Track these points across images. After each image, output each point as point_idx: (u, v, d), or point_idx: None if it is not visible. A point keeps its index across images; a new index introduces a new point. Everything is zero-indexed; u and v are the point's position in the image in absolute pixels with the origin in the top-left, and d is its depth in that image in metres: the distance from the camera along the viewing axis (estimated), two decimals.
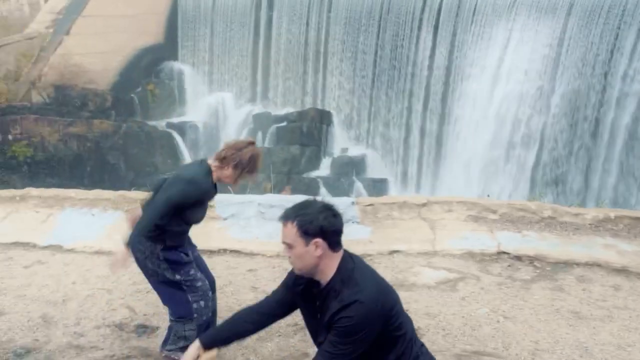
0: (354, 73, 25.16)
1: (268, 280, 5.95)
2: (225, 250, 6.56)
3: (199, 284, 4.44)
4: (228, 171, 4.31)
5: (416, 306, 5.38)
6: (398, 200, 7.54)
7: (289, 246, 3.08)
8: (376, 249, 6.58)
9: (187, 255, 4.46)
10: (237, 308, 5.34)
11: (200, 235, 6.75)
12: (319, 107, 25.71)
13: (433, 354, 4.56)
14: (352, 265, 3.10)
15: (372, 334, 3.00)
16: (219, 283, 5.83)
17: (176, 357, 4.41)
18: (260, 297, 5.52)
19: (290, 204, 7.09)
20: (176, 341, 4.43)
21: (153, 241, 4.27)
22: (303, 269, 3.13)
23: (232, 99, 27.45)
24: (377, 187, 22.86)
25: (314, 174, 24.23)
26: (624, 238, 6.82)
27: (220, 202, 7.25)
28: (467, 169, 21.89)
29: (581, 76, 19.48)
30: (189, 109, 27.77)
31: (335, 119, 25.45)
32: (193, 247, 4.72)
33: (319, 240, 3.01)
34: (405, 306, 5.32)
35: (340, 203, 7.29)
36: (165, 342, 4.52)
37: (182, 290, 4.37)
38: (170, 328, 4.48)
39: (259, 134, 25.42)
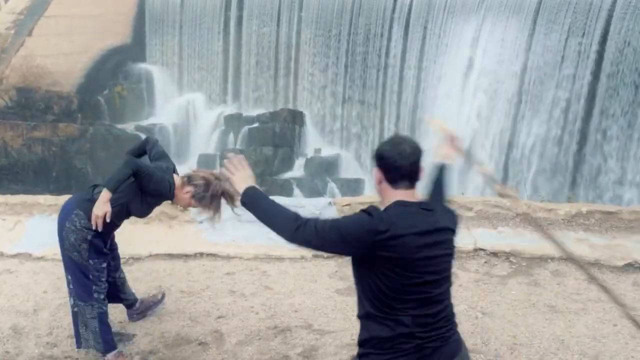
0: (327, 73, 25.22)
1: (246, 283, 6.00)
2: (201, 254, 6.59)
3: (103, 286, 4.57)
4: (187, 197, 4.45)
5: None
6: (375, 200, 7.62)
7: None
8: None
9: (107, 248, 4.62)
10: (215, 313, 5.41)
11: (176, 239, 6.83)
12: (292, 107, 25.74)
13: None
14: (404, 208, 2.98)
15: (357, 244, 2.90)
16: (196, 287, 5.90)
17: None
18: (239, 300, 5.62)
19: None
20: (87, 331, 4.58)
21: (89, 220, 4.34)
22: (379, 197, 3.15)
23: (202, 100, 27.31)
24: (352, 187, 22.95)
25: (287, 175, 24.24)
26: (595, 232, 7.01)
27: None
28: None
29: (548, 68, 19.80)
30: (158, 111, 27.57)
31: (308, 120, 25.48)
32: (115, 244, 4.89)
33: (376, 169, 3.06)
34: None
35: (317, 204, 7.38)
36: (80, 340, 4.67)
37: (88, 278, 4.48)
38: (76, 320, 4.62)
39: (231, 136, 25.38)
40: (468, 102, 21.60)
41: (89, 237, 4.40)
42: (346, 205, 7.55)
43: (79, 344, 4.71)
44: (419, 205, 3.02)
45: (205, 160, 24.33)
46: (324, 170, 23.81)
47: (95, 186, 4.53)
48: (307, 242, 3.00)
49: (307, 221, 2.99)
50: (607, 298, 5.21)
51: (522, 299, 5.65)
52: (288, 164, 24.64)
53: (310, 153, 24.81)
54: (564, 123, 19.43)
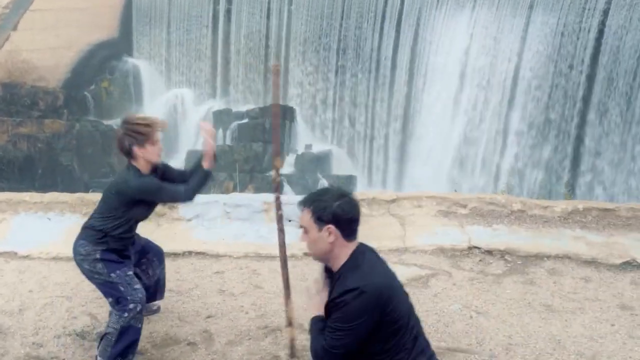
0: (317, 68, 25.13)
1: (236, 282, 5.96)
2: (190, 253, 6.56)
3: (138, 294, 4.53)
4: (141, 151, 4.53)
5: None
6: (367, 197, 7.60)
7: (305, 230, 3.29)
8: None
9: (128, 252, 4.67)
10: (204, 312, 5.37)
11: (164, 237, 6.76)
12: (282, 102, 25.66)
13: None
14: (363, 256, 3.27)
15: (370, 323, 3.11)
16: (184, 286, 5.85)
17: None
18: (228, 300, 5.57)
19: (255, 202, 7.13)
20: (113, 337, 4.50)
21: (92, 244, 4.49)
22: (317, 254, 3.34)
23: (191, 95, 27.19)
24: (344, 183, 22.90)
25: None
26: (592, 229, 7.00)
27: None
28: (434, 162, 22.08)
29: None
30: (145, 106, 27.40)
31: (299, 115, 25.41)
32: (141, 240, 4.96)
33: (331, 227, 3.19)
34: None
35: None
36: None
37: (120, 292, 4.49)
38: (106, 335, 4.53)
39: (220, 131, 25.28)
40: (462, 97, 21.57)
41: (98, 256, 4.48)
42: None
43: None
44: (366, 246, 3.39)
45: (193, 156, 24.17)
46: (315, 166, 23.75)
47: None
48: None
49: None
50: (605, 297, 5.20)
51: (518, 298, 5.63)
52: None
53: (300, 149, 24.74)
54: (561, 115, 19.40)
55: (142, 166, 4.52)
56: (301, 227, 3.30)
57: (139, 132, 4.49)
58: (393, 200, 7.53)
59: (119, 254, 4.56)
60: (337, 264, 3.27)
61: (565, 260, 6.33)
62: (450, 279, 6.01)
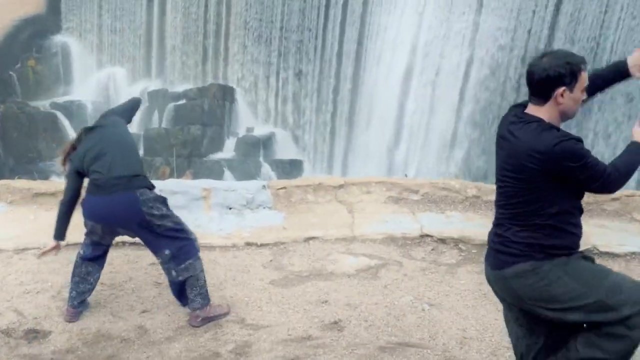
0: (259, 46, 24.91)
1: None
2: (123, 243, 6.35)
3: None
4: None
5: (336, 296, 5.35)
6: (313, 183, 7.50)
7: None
8: (290, 236, 6.52)
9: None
10: (139, 307, 5.20)
11: None
12: (221, 82, 25.35)
13: (355, 347, 4.57)
14: None
15: None
16: (117, 279, 5.66)
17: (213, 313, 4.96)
18: (165, 293, 5.40)
19: (193, 189, 6.95)
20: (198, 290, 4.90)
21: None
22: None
23: (124, 74, 26.80)
24: (288, 169, 22.84)
25: (217, 156, 23.94)
26: None
27: None
28: (382, 146, 22.13)
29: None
30: (76, 87, 26.93)
31: (239, 96, 25.18)
32: None
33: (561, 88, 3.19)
34: (323, 297, 5.32)
35: (250, 187, 7.20)
36: (186, 299, 4.94)
37: (186, 232, 4.88)
38: (179, 282, 4.85)
39: (155, 113, 24.90)
40: (413, 75, 21.63)
41: (162, 195, 4.89)
42: (281, 188, 7.40)
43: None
44: None
45: None
46: (257, 150, 23.59)
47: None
48: None
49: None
50: None
51: (473, 289, 5.60)
52: (218, 144, 24.33)
53: (241, 132, 24.55)
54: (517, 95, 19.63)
55: None
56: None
57: None
58: (340, 186, 7.45)
59: None
60: None
61: None
62: (401, 269, 5.95)
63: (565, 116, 3.22)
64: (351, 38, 22.82)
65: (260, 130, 24.41)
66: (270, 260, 6.14)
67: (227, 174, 22.69)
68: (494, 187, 6.51)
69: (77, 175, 4.77)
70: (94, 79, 26.77)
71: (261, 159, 23.32)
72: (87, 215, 4.71)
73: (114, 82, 26.57)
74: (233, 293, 5.47)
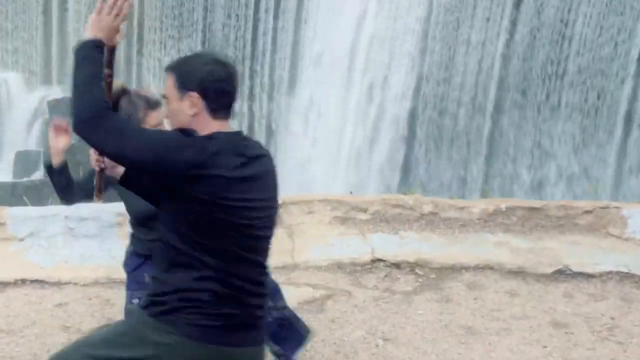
0: (178, 50, 24.85)
1: (84, 315, 5.76)
2: (24, 281, 6.27)
3: None
4: None
5: None
6: None
7: (165, 99, 3.15)
8: None
9: None
10: (44, 356, 5.13)
11: None
12: (135, 86, 25.17)
13: None
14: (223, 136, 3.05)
15: (158, 166, 2.92)
16: (17, 324, 5.59)
17: None
18: (75, 338, 5.35)
19: (107, 215, 6.91)
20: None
21: None
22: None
23: (19, 80, 26.46)
24: None
25: None
26: (517, 233, 7.17)
27: (14, 218, 6.89)
28: (325, 142, 22.25)
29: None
30: None
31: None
32: None
33: (194, 94, 3.02)
34: None
35: None
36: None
37: None
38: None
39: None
40: (358, 58, 21.79)
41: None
42: None
43: None
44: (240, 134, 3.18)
45: (25, 159, 23.50)
46: None
47: None
48: (104, 135, 3.00)
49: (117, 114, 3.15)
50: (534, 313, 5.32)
51: (432, 319, 5.68)
52: None
53: None
54: (476, 78, 19.93)
55: None
56: (164, 96, 3.17)
57: None
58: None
59: None
60: None
61: (487, 272, 6.44)
62: (350, 299, 6.00)
63: None
64: (286, 42, 22.94)
65: None
66: None
67: None
68: (453, 201, 6.65)
69: None
70: None
71: None
72: None
73: (7, 89, 26.15)
74: None
